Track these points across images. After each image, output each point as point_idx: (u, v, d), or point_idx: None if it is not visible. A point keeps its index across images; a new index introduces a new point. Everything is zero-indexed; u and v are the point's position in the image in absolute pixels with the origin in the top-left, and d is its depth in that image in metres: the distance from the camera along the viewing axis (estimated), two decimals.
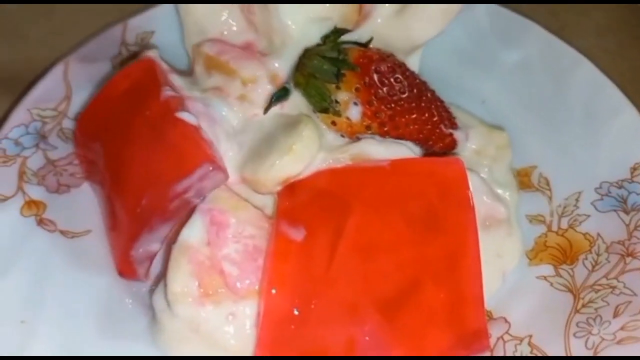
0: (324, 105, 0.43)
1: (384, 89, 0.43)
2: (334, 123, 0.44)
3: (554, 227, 0.46)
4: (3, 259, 0.43)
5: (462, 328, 0.38)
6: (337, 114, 0.43)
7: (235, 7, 0.48)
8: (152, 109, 0.42)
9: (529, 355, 0.40)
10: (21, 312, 0.41)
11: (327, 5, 0.45)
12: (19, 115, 0.50)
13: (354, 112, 0.43)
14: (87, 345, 0.40)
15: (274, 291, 0.38)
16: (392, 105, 0.43)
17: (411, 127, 0.44)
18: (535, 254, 0.45)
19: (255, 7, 0.46)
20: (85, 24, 0.60)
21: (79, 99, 0.52)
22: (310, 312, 0.37)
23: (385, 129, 0.43)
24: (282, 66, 0.45)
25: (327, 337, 0.37)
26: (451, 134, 0.45)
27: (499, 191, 0.46)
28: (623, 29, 0.61)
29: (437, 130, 0.45)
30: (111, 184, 0.43)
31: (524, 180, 0.49)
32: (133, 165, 0.42)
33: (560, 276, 0.43)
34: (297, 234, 0.39)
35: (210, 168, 0.40)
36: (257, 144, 0.43)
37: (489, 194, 0.43)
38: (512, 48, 0.55)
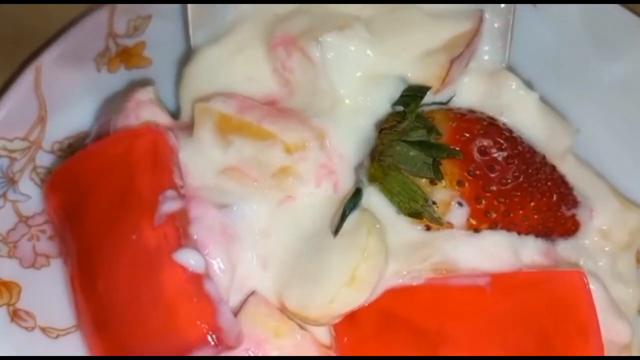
0: (415, 208, 0.33)
1: (495, 175, 0.33)
2: (428, 228, 0.33)
3: None
4: None
5: None
6: (437, 221, 0.33)
7: (261, 53, 0.36)
8: (144, 234, 0.32)
9: None
10: None
11: (399, 59, 0.34)
12: None
13: (458, 215, 0.33)
14: None
15: None
16: (506, 198, 0.33)
17: (529, 220, 0.34)
18: None
19: (295, 64, 0.35)
20: None
21: (56, 122, 0.42)
22: None
23: (498, 227, 0.34)
24: (329, 128, 0.34)
25: None
26: (573, 216, 0.36)
27: (622, 289, 0.36)
28: None
29: (558, 214, 0.35)
30: (79, 294, 0.34)
31: None
32: (111, 299, 0.33)
33: None
34: None
35: (215, 347, 0.31)
36: (296, 256, 0.33)
37: (612, 312, 0.34)
38: (613, 59, 0.43)
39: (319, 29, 0.35)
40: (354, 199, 0.33)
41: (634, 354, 0.35)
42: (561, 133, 0.38)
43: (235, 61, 0.37)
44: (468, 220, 0.34)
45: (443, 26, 0.36)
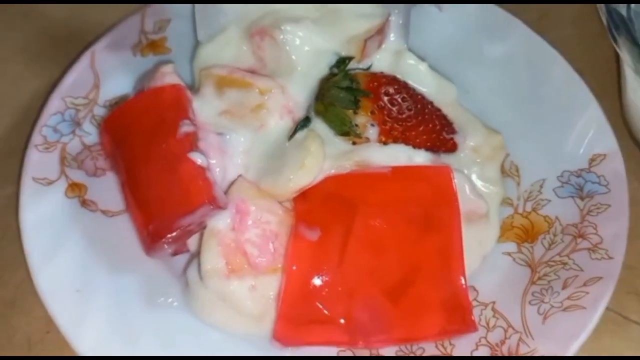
0: (344, 130, 0.49)
1: (395, 109, 0.50)
2: (354, 143, 0.50)
3: (520, 210, 0.53)
4: (57, 235, 0.50)
5: (451, 310, 0.46)
6: (358, 136, 0.50)
7: (244, 42, 0.52)
8: (170, 143, 0.47)
9: (492, 318, 0.49)
10: (76, 282, 0.49)
11: (334, 41, 0.51)
12: (55, 103, 0.56)
13: (372, 132, 0.49)
14: (133, 310, 0.48)
15: (294, 268, 0.46)
16: (403, 122, 0.50)
17: (419, 138, 0.51)
18: (503, 232, 0.53)
19: (266, 45, 0.50)
20: None
21: (106, 87, 0.57)
22: (324, 294, 0.46)
23: (399, 142, 0.50)
24: (288, 85, 0.51)
25: (337, 312, 0.46)
26: (452, 139, 0.52)
27: (487, 186, 0.52)
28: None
29: (441, 137, 0.51)
30: (127, 189, 0.49)
31: None
32: (147, 187, 0.46)
33: (522, 253, 0.52)
34: (313, 235, 0.46)
35: (211, 207, 0.45)
36: (267, 159, 0.48)
37: (473, 192, 0.50)
38: (496, 43, 0.57)
39: (282, 22, 0.49)
40: (304, 121, 0.50)
41: (492, 221, 0.52)
42: (445, 90, 0.52)
43: (225, 51, 0.51)
44: (379, 136, 0.48)
45: (363, 22, 0.50)
